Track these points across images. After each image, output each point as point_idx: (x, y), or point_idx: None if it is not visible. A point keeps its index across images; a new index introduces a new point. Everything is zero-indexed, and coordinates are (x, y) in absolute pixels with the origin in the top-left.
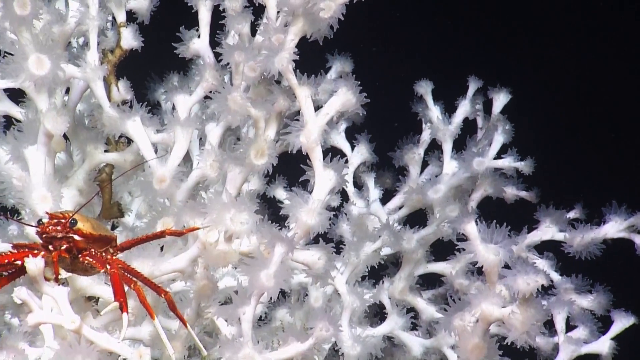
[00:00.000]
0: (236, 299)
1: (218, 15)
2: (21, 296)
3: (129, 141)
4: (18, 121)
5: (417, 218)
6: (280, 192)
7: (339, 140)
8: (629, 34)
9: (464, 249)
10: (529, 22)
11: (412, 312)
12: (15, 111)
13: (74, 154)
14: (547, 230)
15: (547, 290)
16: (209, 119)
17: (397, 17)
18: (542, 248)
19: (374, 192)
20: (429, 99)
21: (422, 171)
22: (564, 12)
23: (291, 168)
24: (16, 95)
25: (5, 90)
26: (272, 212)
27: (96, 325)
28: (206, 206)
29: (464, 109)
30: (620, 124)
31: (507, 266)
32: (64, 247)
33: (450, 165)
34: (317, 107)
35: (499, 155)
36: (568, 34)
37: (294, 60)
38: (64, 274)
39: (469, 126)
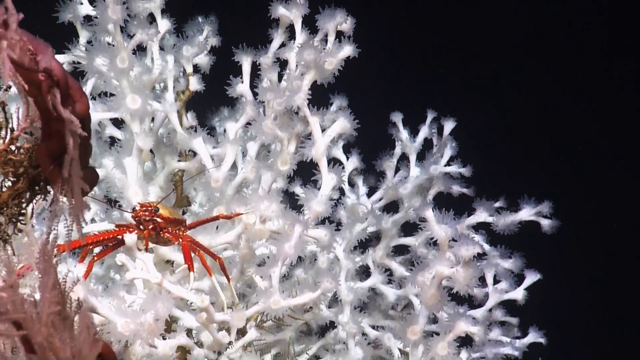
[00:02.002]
0: (268, 262)
1: (255, 67)
2: (121, 259)
3: (194, 154)
4: (119, 140)
5: (392, 207)
6: (298, 189)
7: (338, 153)
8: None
9: (424, 228)
10: (472, 69)
11: (388, 271)
12: (117, 133)
13: (157, 163)
14: (481, 215)
15: (480, 256)
16: (249, 139)
17: (383, 68)
18: (478, 228)
19: (362, 189)
20: (400, 125)
21: (395, 174)
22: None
23: (305, 172)
24: (118, 123)
25: (110, 119)
26: (292, 202)
27: (172, 280)
28: (247, 199)
29: (424, 132)
30: (533, 141)
31: (454, 240)
32: (150, 227)
33: (414, 170)
34: (323, 130)
35: (448, 164)
36: (497, 74)
37: (307, 98)
38: (150, 245)
39: (427, 144)
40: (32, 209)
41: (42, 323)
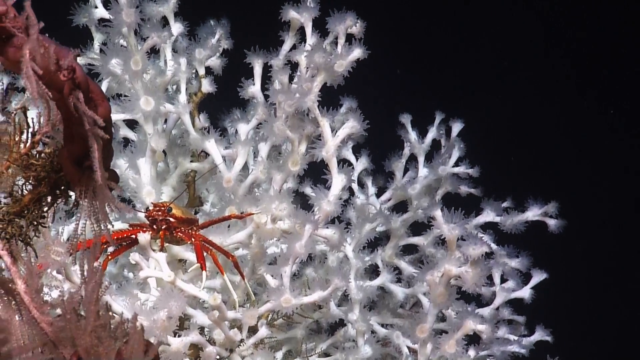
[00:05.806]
0: (279, 261)
1: (267, 69)
2: (135, 258)
3: (207, 154)
4: (133, 141)
5: (400, 207)
6: (308, 189)
7: (348, 154)
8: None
9: (433, 227)
10: (476, 76)
11: (397, 270)
12: (131, 134)
13: (169, 163)
14: (488, 215)
15: (488, 255)
16: (260, 140)
17: (392, 70)
18: (485, 227)
19: (371, 189)
20: (409, 126)
21: (404, 175)
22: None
23: (316, 172)
24: (131, 124)
25: (124, 120)
26: (302, 202)
27: (184, 278)
28: (258, 199)
29: (432, 133)
30: (540, 142)
31: (462, 239)
32: (163, 226)
33: (423, 171)
34: (333, 131)
35: (456, 164)
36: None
37: (317, 100)
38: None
39: (436, 145)
40: (53, 213)
41: (87, 334)
